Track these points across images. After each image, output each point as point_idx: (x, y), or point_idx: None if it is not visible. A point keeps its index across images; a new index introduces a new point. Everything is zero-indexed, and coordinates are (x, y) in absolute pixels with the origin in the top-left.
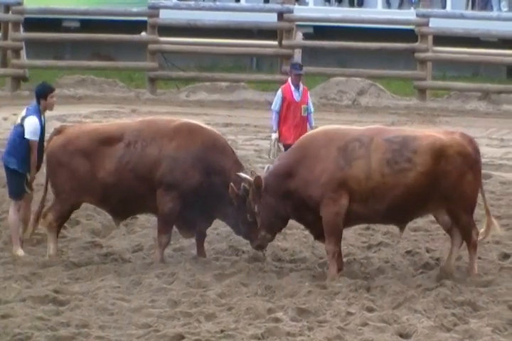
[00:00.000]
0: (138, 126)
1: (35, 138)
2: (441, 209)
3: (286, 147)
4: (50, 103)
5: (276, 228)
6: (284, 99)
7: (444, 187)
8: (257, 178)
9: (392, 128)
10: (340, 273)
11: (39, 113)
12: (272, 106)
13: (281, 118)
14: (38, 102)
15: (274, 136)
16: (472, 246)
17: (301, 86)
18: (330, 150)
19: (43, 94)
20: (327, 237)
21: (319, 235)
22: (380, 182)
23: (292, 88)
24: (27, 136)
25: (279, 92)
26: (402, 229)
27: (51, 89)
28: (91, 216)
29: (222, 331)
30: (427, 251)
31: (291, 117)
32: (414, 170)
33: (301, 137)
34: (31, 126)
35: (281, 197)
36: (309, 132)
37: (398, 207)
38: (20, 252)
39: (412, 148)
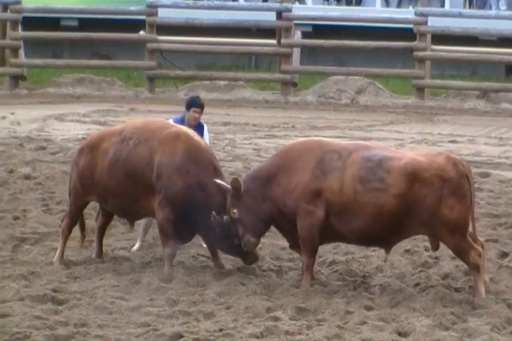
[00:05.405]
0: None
1: None
2: (424, 233)
3: None
4: (190, 115)
5: (259, 231)
6: None
7: (420, 211)
8: (234, 180)
9: (375, 146)
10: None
11: (180, 121)
12: None
13: None
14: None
15: None
16: (473, 268)
17: None
18: (308, 160)
19: (187, 106)
20: (302, 249)
21: (294, 244)
22: (353, 198)
23: None
24: None
25: None
26: (387, 251)
27: (196, 104)
28: (89, 215)
29: (221, 330)
30: (426, 250)
31: None
32: (386, 191)
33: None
34: None
35: (261, 201)
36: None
37: (374, 227)
38: (136, 247)
39: (386, 167)
